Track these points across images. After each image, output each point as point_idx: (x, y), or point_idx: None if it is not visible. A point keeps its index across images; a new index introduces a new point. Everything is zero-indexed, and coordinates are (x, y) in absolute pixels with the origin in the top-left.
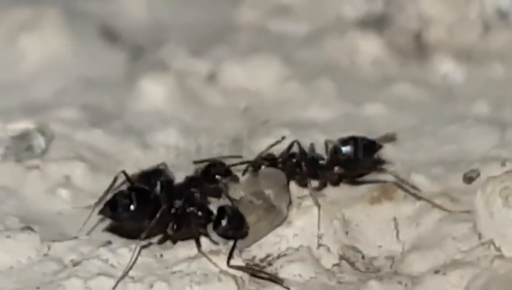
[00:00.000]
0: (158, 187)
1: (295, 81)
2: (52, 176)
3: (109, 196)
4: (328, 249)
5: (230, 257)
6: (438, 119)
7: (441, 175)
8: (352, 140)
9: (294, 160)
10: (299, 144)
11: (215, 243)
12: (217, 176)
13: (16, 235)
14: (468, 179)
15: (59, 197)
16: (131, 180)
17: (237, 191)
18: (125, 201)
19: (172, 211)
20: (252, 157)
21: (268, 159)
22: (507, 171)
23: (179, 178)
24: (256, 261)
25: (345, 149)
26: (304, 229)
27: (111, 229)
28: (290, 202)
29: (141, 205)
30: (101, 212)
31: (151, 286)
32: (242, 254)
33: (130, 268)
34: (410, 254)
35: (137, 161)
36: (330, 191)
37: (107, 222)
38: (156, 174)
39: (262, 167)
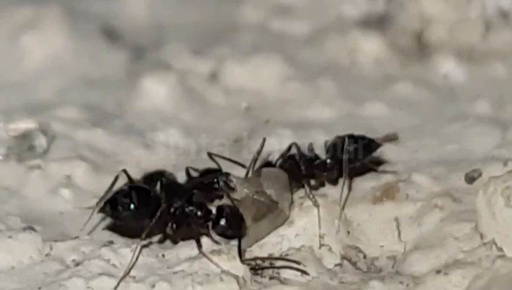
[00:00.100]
0: (158, 186)
1: (297, 80)
2: (53, 175)
3: (109, 195)
4: (330, 249)
5: (240, 253)
6: (440, 119)
7: (442, 175)
8: (350, 139)
9: (292, 161)
10: (297, 146)
11: (217, 242)
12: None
13: (17, 235)
14: (470, 178)
15: (61, 197)
16: (131, 179)
17: (239, 191)
18: (126, 200)
19: (172, 210)
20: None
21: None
22: (509, 171)
23: (180, 177)
24: (258, 261)
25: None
26: (305, 229)
27: (111, 228)
28: (292, 202)
29: (141, 204)
30: (101, 210)
31: (153, 286)
32: (244, 253)
33: (131, 268)
34: (412, 254)
35: (138, 161)
36: (332, 190)
37: (108, 221)
38: (158, 175)
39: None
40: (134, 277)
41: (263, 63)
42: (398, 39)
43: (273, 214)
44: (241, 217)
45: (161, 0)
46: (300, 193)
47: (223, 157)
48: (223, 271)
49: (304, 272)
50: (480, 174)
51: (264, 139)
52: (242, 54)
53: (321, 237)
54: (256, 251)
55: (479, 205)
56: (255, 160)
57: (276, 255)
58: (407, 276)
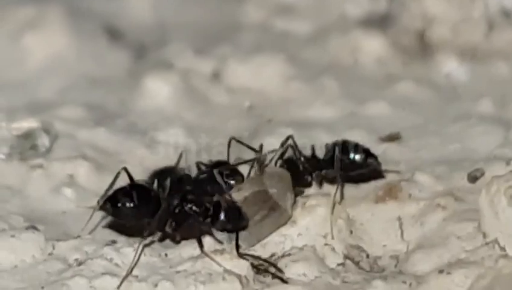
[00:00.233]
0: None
1: (299, 80)
2: (56, 175)
3: (110, 193)
4: (333, 249)
5: (237, 247)
6: (442, 118)
7: (445, 174)
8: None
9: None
10: (293, 139)
11: (220, 242)
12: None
13: (20, 235)
14: (473, 178)
15: (63, 196)
16: (132, 177)
17: (241, 191)
18: (126, 198)
19: (171, 208)
20: (252, 156)
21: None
22: None
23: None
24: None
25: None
26: (308, 229)
27: (112, 226)
28: (295, 201)
29: (142, 202)
30: (101, 208)
31: (156, 285)
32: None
33: (134, 267)
34: (414, 253)
35: (141, 160)
36: (334, 190)
37: (109, 220)
38: (167, 172)
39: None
40: (136, 276)
41: (265, 63)
42: (401, 38)
43: (276, 213)
44: (239, 209)
45: None
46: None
47: (244, 144)
48: (225, 270)
49: (282, 281)
50: (483, 174)
51: (261, 145)
52: (244, 53)
53: (331, 229)
54: (259, 250)
55: (481, 205)
56: (257, 159)
57: (279, 254)
58: (410, 275)
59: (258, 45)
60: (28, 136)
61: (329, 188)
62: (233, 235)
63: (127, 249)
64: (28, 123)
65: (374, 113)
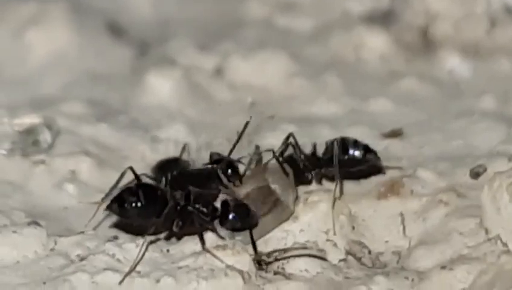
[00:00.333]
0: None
1: (302, 76)
2: (58, 170)
3: (116, 192)
4: (335, 245)
5: (255, 248)
6: (445, 115)
7: (447, 170)
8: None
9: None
10: (294, 142)
11: (222, 237)
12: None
13: (22, 230)
14: (475, 174)
15: (65, 192)
16: (138, 176)
17: (244, 187)
18: (133, 198)
19: (178, 208)
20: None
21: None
22: None
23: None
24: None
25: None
26: (310, 225)
27: (118, 226)
28: (297, 197)
29: (148, 202)
30: (108, 208)
31: (158, 281)
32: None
33: (137, 263)
34: (416, 249)
35: (143, 156)
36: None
37: (114, 217)
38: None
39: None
40: (139, 272)
41: (268, 59)
42: (404, 35)
43: (278, 209)
44: (247, 206)
45: None
46: (306, 188)
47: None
48: (227, 266)
49: (322, 259)
50: (485, 170)
51: (257, 147)
52: (247, 49)
53: (328, 232)
54: (261, 246)
55: (484, 201)
56: (256, 154)
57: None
58: (412, 271)
59: (261, 42)
60: (30, 131)
61: (331, 185)
62: (235, 232)
63: (129, 245)
64: (30, 119)
65: (377, 109)
